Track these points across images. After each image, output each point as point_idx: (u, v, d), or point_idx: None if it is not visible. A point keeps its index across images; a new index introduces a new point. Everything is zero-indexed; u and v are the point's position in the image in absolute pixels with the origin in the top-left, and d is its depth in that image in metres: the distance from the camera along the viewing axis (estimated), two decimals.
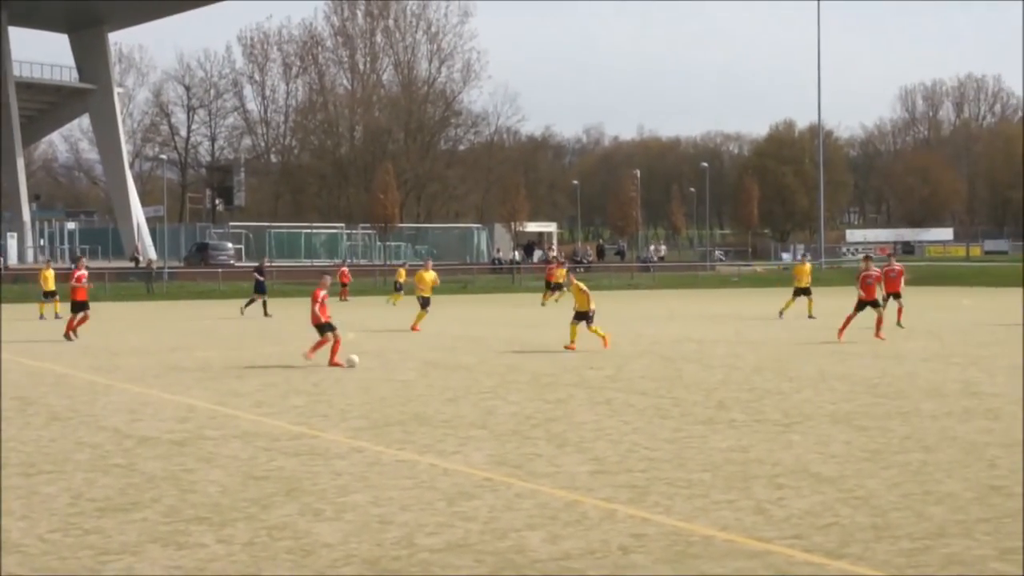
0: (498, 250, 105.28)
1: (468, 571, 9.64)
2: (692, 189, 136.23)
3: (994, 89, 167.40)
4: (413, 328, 36.81)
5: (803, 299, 42.31)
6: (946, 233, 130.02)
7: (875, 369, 24.76)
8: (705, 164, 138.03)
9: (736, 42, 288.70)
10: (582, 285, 30.07)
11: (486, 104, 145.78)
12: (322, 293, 26.73)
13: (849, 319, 32.53)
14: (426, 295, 38.02)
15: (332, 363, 25.87)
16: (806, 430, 16.75)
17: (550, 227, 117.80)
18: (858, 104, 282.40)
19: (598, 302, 31.18)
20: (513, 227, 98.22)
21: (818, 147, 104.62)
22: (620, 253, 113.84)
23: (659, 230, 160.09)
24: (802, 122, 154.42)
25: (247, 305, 48.46)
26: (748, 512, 11.73)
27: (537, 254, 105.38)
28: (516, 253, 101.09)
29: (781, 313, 42.51)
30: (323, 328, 26.44)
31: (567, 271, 45.59)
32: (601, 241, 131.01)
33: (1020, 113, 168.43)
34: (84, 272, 36.11)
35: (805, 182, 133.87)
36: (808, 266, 44.38)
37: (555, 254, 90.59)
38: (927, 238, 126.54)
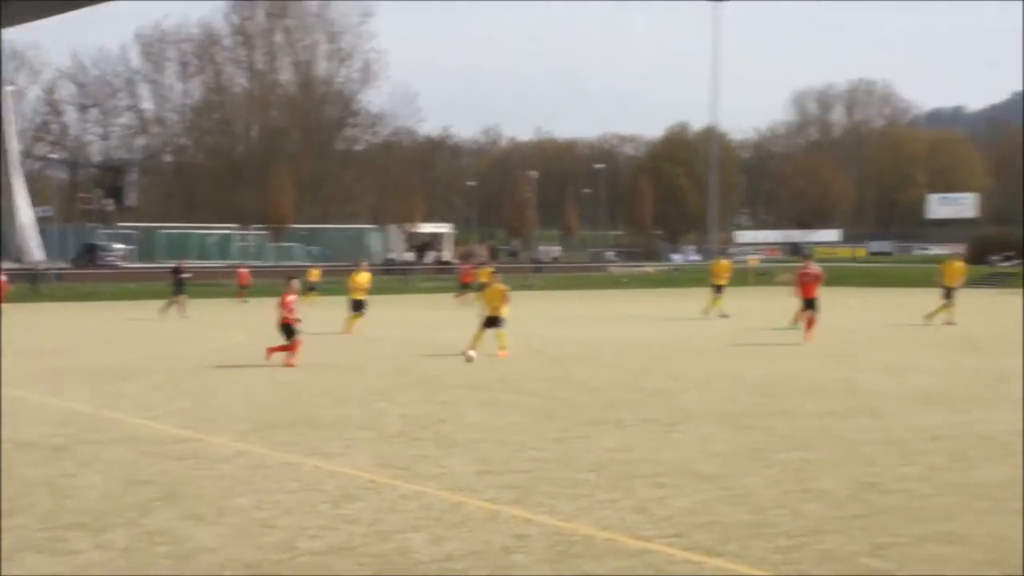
0: (391, 251, 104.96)
1: (349, 574, 9.62)
2: (587, 190, 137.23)
3: (884, 93, 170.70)
4: (348, 331, 36.21)
5: (717, 296, 42.99)
6: (833, 235, 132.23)
7: (760, 369, 25.12)
8: (601, 165, 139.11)
9: (633, 45, 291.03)
10: (504, 288, 29.66)
11: (384, 104, 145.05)
12: (290, 298, 27.19)
13: (800, 316, 33.18)
14: (360, 297, 37.32)
15: (288, 364, 26.20)
16: (690, 429, 16.96)
17: (445, 228, 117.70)
18: (752, 107, 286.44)
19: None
20: (407, 228, 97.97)
21: (711, 149, 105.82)
22: (513, 254, 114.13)
23: (554, 231, 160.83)
24: (697, 124, 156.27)
25: (167, 306, 47.61)
26: (630, 511, 11.85)
27: (431, 255, 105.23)
28: (409, 254, 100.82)
29: (707, 312, 42.82)
30: (290, 331, 26.86)
31: (492, 272, 45.01)
32: (495, 242, 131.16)
33: (909, 116, 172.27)
34: None
35: (698, 183, 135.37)
36: (727, 263, 45.10)
37: (474, 255, 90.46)
38: (815, 239, 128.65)
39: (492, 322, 28.95)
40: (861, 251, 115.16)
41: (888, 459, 14.55)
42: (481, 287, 51.12)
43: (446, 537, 10.78)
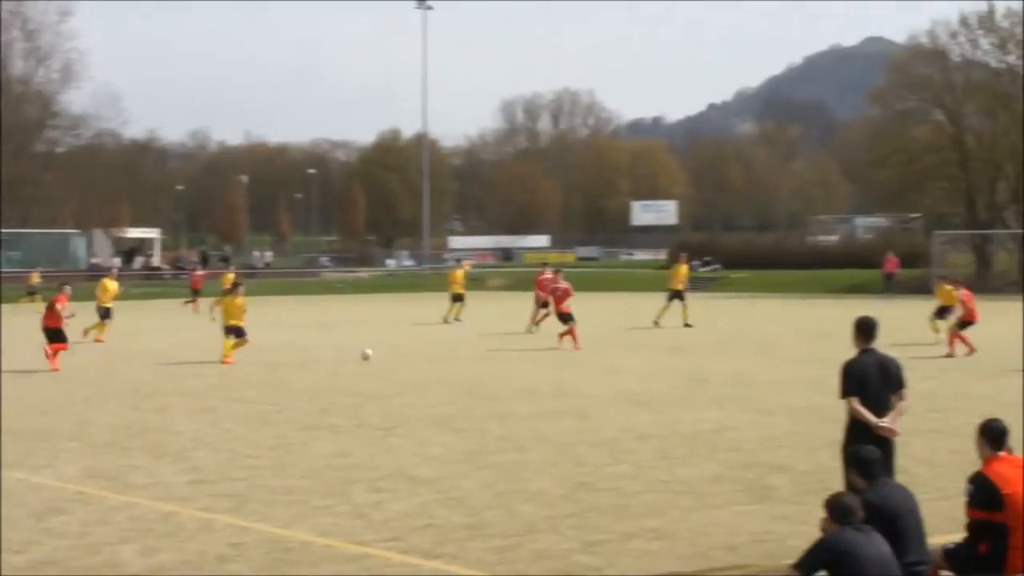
0: (96, 256, 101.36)
1: None
2: (299, 195, 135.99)
3: (588, 102, 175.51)
4: (96, 340, 34.77)
5: (457, 304, 42.92)
6: (542, 240, 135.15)
7: (474, 372, 25.45)
8: (313, 171, 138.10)
9: (345, 49, 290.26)
10: (242, 302, 29.19)
11: (87, 106, 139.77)
12: (59, 305, 27.52)
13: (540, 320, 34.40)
14: (107, 305, 36.09)
15: (53, 368, 26.23)
16: (406, 433, 17.04)
17: (153, 233, 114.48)
18: (463, 114, 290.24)
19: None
20: (113, 233, 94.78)
21: (423, 155, 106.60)
22: (225, 259, 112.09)
23: (266, 236, 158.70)
24: (408, 130, 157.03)
25: None
26: (347, 516, 11.83)
27: (139, 260, 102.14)
28: (116, 260, 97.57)
29: (446, 320, 42.46)
30: (55, 335, 27.02)
31: (234, 279, 43.62)
32: (205, 247, 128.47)
33: (611, 126, 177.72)
34: None
35: (410, 189, 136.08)
36: (462, 271, 45.08)
37: (197, 260, 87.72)
38: (525, 245, 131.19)
39: (234, 331, 28.53)
40: (569, 256, 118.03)
41: (598, 458, 14.98)
42: (225, 293, 48.94)
43: (158, 548, 10.51)
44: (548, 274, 36.14)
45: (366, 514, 11.92)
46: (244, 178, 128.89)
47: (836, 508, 7.82)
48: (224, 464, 14.65)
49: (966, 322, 29.58)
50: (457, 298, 43.09)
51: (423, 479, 13.69)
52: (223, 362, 27.60)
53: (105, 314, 36.01)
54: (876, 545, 7.67)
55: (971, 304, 29.77)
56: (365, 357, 26.28)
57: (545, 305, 36.06)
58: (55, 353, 26.92)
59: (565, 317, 31.72)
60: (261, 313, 50.23)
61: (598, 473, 14.05)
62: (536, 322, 36.82)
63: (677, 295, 39.22)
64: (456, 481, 13.56)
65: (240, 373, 25.63)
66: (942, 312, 32.22)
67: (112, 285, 37.04)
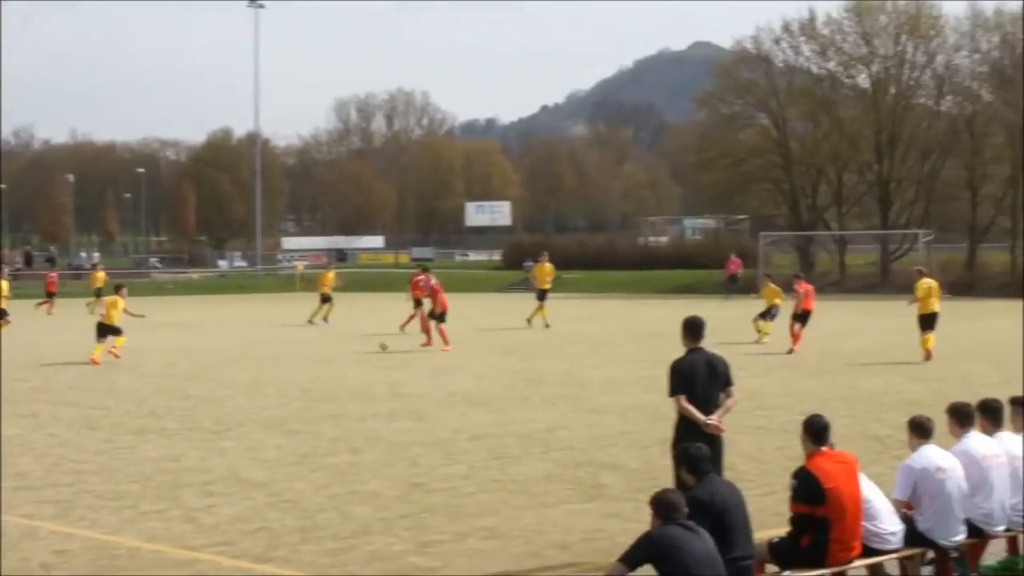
0: None
1: None
2: (128, 195, 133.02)
3: (422, 103, 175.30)
4: None
5: (325, 306, 42.17)
6: (377, 241, 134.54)
7: (308, 374, 25.21)
8: (142, 170, 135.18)
9: (174, 46, 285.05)
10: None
11: None
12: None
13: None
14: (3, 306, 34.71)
15: None
16: (238, 436, 16.81)
17: None
18: (295, 113, 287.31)
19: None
20: None
21: (255, 155, 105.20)
22: (51, 260, 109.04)
23: (93, 236, 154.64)
24: (240, 130, 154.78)
25: None
26: (177, 521, 11.62)
27: None
28: None
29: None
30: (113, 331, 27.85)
31: (108, 281, 42.13)
32: (30, 248, 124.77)
33: (445, 127, 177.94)
34: None
35: (242, 189, 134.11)
36: (332, 274, 44.11)
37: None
38: (359, 245, 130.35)
39: (109, 330, 28.08)
40: (404, 257, 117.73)
41: (432, 459, 14.98)
42: (97, 293, 47.14)
43: None
44: (421, 276, 36.05)
45: (196, 518, 11.72)
46: (70, 177, 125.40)
47: (660, 504, 7.92)
48: (49, 470, 14.26)
49: (805, 312, 30.23)
50: (326, 299, 42.56)
51: (255, 482, 13.52)
52: (92, 361, 27.40)
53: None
54: (701, 541, 7.80)
55: (809, 296, 30.58)
56: (383, 347, 30.15)
57: (419, 304, 35.66)
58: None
59: (441, 316, 31.74)
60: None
61: (432, 474, 14.05)
62: (404, 325, 36.57)
63: (542, 294, 39.35)
64: (289, 484, 13.43)
65: (65, 376, 24.98)
66: (766, 313, 33.05)
67: (4, 285, 35.60)
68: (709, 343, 10.72)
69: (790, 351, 29.03)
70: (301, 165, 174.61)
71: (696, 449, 8.88)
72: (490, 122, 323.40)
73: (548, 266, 40.10)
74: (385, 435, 16.84)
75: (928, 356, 27.15)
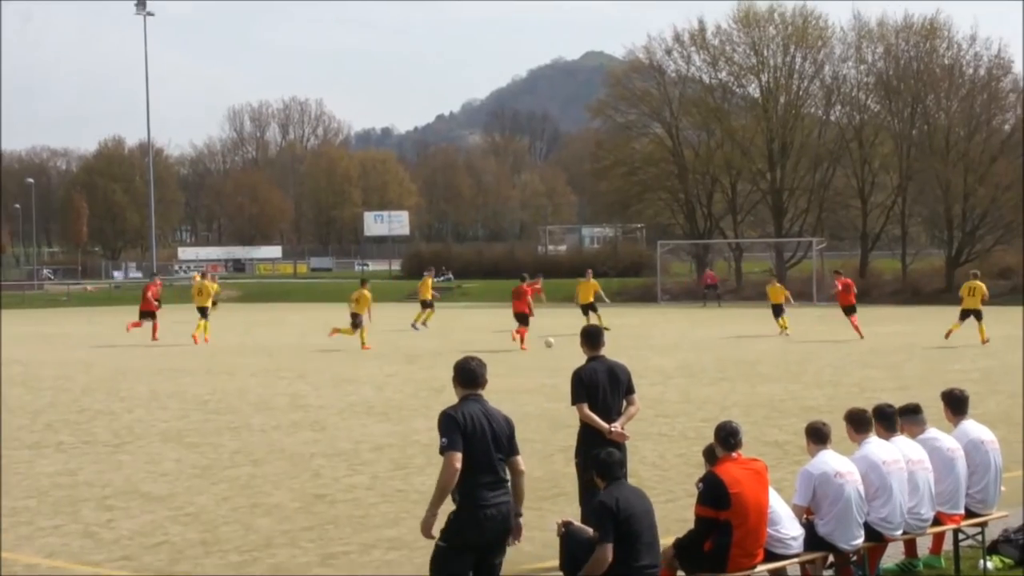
0: None
1: None
2: (17, 206, 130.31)
3: (317, 112, 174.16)
4: None
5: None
6: (275, 251, 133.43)
7: (207, 386, 24.90)
8: (31, 180, 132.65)
9: (62, 54, 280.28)
10: None
11: None
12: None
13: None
14: None
15: None
16: (137, 450, 16.55)
17: None
18: (188, 122, 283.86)
19: None
20: None
21: (148, 164, 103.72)
22: None
23: None
24: (132, 139, 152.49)
25: None
26: (76, 536, 11.40)
27: None
28: None
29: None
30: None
31: None
32: None
33: (341, 136, 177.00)
34: None
35: (136, 199, 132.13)
36: (212, 285, 43.17)
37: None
38: (257, 256, 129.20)
39: None
40: (302, 267, 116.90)
41: (335, 470, 14.87)
42: None
43: None
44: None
45: (96, 533, 11.51)
46: None
47: (602, 467, 8.62)
48: None
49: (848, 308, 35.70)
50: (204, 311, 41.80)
51: (155, 496, 13.32)
52: None
53: None
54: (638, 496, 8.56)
55: (846, 291, 36.04)
56: (548, 344, 31.05)
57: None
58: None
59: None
60: None
61: (335, 485, 13.95)
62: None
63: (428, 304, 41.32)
64: (190, 497, 13.24)
65: None
66: (778, 310, 38.25)
67: None
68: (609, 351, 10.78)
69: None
70: (195, 175, 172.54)
71: (607, 455, 8.93)
72: (386, 131, 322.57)
73: (429, 280, 41.40)
74: (287, 446, 16.69)
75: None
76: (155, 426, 18.86)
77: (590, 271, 41.41)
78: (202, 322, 39.16)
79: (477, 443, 8.13)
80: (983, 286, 34.16)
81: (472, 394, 8.44)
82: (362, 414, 20.08)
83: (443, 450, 8.10)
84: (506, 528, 8.13)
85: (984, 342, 32.41)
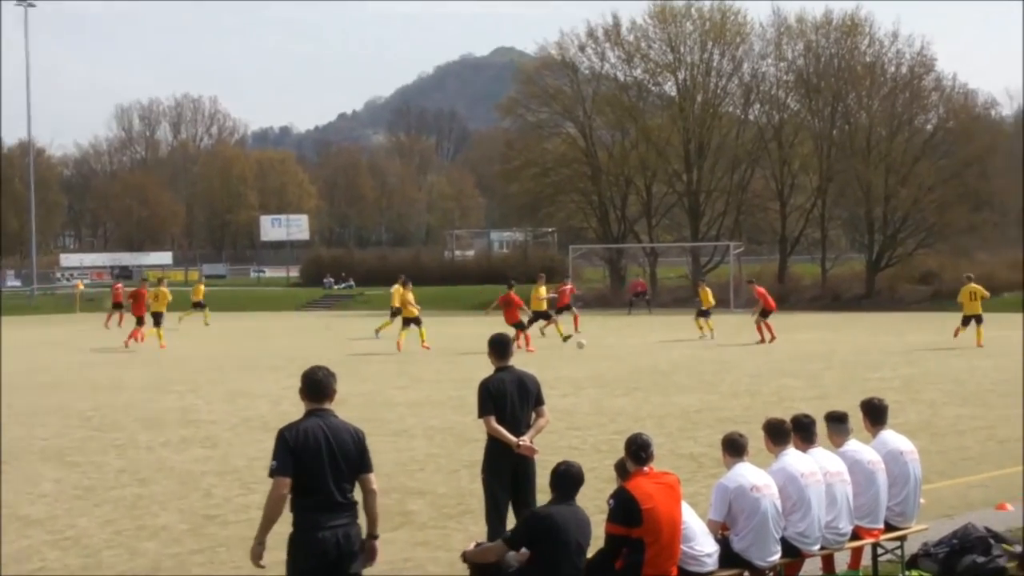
0: None
1: None
2: None
3: (211, 110, 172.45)
4: None
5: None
6: (165, 257, 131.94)
7: (91, 400, 24.53)
8: None
9: None
10: None
11: None
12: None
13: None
14: None
15: None
16: (14, 469, 16.25)
17: None
18: (73, 121, 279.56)
19: None
20: None
21: (29, 165, 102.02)
22: None
23: None
24: (10, 138, 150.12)
25: None
26: None
27: None
28: None
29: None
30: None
31: None
32: None
33: (236, 135, 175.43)
34: None
35: (15, 203, 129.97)
36: (160, 291, 42.97)
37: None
38: (146, 262, 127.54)
39: None
40: (194, 273, 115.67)
41: (227, 489, 14.73)
42: None
43: None
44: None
45: None
46: None
47: (558, 479, 8.83)
48: None
49: (767, 311, 37.85)
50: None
51: (33, 519, 13.09)
52: None
53: None
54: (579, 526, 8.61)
55: (767, 297, 38.22)
56: (580, 345, 34.07)
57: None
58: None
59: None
60: None
61: (227, 505, 13.81)
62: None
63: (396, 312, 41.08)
64: (71, 520, 13.04)
65: None
66: (704, 313, 40.62)
67: None
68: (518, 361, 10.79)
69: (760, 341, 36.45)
70: (80, 176, 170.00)
71: (567, 466, 8.99)
72: (284, 130, 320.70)
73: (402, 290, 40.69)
74: (176, 465, 16.49)
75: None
76: (34, 444, 18.55)
77: (543, 276, 42.16)
78: (156, 329, 40.06)
79: (312, 463, 7.89)
80: (982, 288, 36.35)
81: (317, 408, 8.19)
82: (257, 429, 19.90)
83: (271, 473, 7.91)
84: (348, 552, 7.91)
85: (980, 345, 34.31)
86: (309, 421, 8.09)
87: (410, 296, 39.14)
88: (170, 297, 42.31)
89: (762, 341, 37.19)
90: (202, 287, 54.99)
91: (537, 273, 43.10)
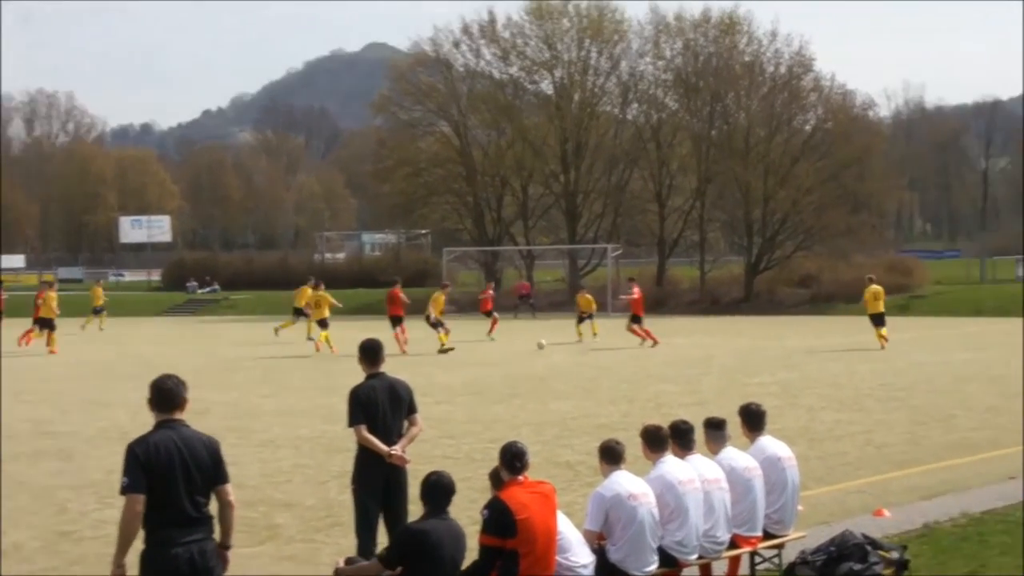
0: None
1: None
2: None
3: (67, 106, 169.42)
4: None
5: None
6: (17, 260, 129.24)
7: None
8: None
9: None
10: None
11: None
12: None
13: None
14: None
15: None
16: None
17: None
18: None
19: None
20: None
21: None
22: None
23: None
24: None
25: None
26: None
27: None
28: None
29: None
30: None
31: None
32: None
33: (95, 133, 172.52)
34: None
35: None
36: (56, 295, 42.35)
37: None
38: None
39: None
40: (49, 277, 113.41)
41: (83, 504, 14.46)
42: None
43: None
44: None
45: None
46: None
47: (429, 490, 8.78)
48: None
49: (636, 316, 38.97)
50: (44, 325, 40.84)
51: None
52: None
53: None
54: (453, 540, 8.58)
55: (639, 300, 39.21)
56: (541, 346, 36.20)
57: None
58: None
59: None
60: None
61: (83, 520, 13.56)
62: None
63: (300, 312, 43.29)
64: None
65: None
66: (583, 318, 42.04)
67: None
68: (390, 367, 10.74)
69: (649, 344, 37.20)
70: None
71: (438, 476, 8.91)
72: (145, 127, 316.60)
73: (320, 294, 40.83)
74: (28, 479, 16.15)
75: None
76: None
77: (449, 284, 44.82)
78: (49, 333, 40.13)
79: (164, 478, 7.77)
80: (882, 289, 38.34)
81: (168, 419, 8.05)
82: (115, 441, 19.50)
83: (123, 491, 7.79)
84: (204, 569, 7.77)
85: (883, 346, 35.94)
86: (160, 433, 7.94)
87: (330, 297, 40.89)
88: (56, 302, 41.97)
89: (648, 341, 37.99)
90: (101, 290, 55.41)
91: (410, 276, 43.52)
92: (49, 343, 39.80)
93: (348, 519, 11.36)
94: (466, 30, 72.93)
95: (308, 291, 42.12)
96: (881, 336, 36.63)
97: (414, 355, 34.56)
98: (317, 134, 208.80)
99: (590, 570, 9.31)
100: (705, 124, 68.29)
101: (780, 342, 39.69)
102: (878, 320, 37.16)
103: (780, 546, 10.80)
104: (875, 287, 37.71)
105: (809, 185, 63.64)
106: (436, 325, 38.03)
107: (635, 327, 38.91)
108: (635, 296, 39.43)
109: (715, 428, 10.80)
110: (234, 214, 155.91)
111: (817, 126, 67.60)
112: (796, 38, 68.84)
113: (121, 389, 27.80)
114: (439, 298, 39.39)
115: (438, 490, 8.83)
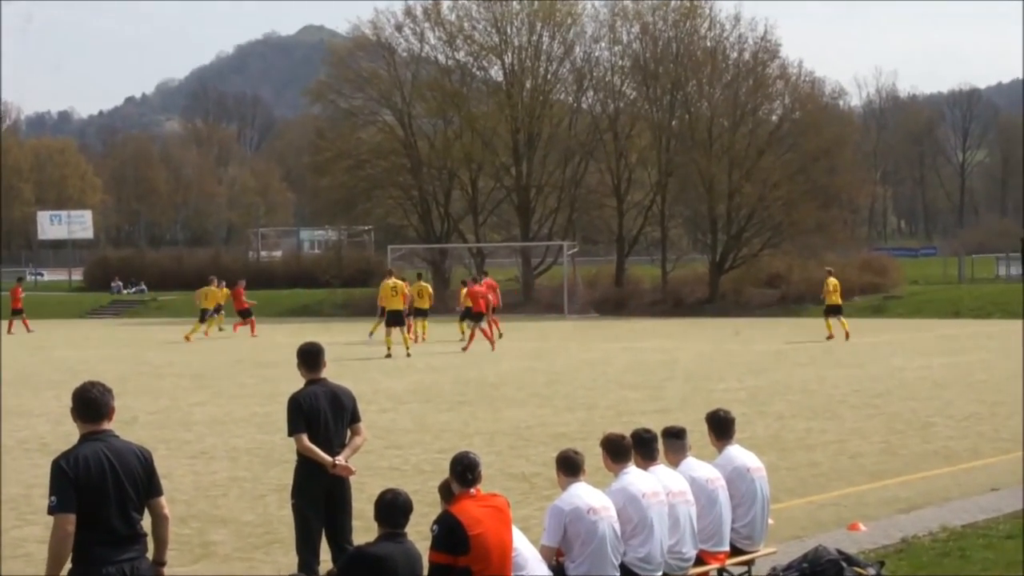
0: None
1: None
2: None
3: None
4: None
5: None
6: None
7: None
8: None
9: None
10: None
11: None
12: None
13: None
14: None
15: None
16: None
17: None
18: None
19: None
20: None
21: None
22: None
23: None
24: None
25: None
26: None
27: None
28: None
29: None
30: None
31: None
32: None
33: (8, 121, 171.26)
34: None
35: None
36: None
37: None
38: None
39: None
40: None
41: (1, 521, 14.35)
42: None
43: None
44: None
45: None
46: None
47: (384, 510, 8.69)
48: None
49: (476, 314, 39.40)
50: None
51: None
52: None
53: None
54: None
55: (478, 297, 39.64)
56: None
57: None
58: None
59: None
60: None
61: (2, 539, 13.45)
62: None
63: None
64: None
65: None
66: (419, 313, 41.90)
67: None
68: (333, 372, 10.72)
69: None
70: None
71: (394, 495, 8.84)
72: (64, 115, 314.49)
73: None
74: None
75: None
76: None
77: (420, 277, 45.49)
78: None
79: (96, 494, 7.66)
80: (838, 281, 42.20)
81: (95, 431, 7.93)
82: (35, 452, 19.45)
83: (51, 511, 7.65)
84: None
85: (847, 338, 39.70)
86: (88, 446, 7.84)
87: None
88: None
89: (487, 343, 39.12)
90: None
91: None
92: None
93: (288, 535, 11.34)
94: (409, 12, 72.57)
95: (214, 290, 43.25)
96: (842, 323, 40.79)
97: (355, 359, 34.47)
98: (250, 123, 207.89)
99: None
100: (665, 114, 68.19)
101: (747, 345, 39.84)
102: (835, 311, 41.24)
103: (750, 562, 10.86)
104: (834, 279, 41.68)
105: (776, 179, 63.58)
106: (411, 315, 39.86)
107: (480, 327, 39.57)
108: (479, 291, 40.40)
109: (674, 437, 10.81)
110: (162, 209, 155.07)
111: (784, 116, 67.61)
112: (761, 22, 69.14)
113: (41, 397, 27.62)
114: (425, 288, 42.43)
115: (394, 510, 8.76)
